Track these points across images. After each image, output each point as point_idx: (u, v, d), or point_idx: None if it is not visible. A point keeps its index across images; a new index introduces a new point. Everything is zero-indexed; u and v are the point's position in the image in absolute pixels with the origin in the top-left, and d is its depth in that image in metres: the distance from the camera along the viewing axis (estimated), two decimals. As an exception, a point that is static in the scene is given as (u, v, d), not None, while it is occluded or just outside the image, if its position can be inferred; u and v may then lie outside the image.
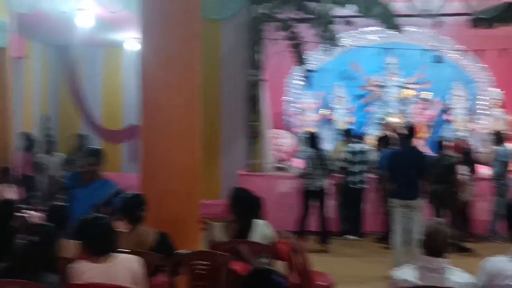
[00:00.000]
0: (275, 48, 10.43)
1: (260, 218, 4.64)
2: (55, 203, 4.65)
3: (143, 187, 5.54)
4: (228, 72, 10.43)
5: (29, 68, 13.51)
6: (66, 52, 14.42)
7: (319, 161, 8.35)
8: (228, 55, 10.45)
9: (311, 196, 8.44)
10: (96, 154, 5.37)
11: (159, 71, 5.64)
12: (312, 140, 8.59)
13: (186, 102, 5.68)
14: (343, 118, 13.23)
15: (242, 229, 4.46)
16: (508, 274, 3.16)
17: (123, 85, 14.34)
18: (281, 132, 12.87)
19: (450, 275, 3.27)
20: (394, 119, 12.53)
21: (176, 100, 5.60)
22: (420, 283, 3.24)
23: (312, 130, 10.24)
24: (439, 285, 3.19)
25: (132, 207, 4.34)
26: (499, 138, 9.26)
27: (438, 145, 8.87)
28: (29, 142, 10.97)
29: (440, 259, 3.30)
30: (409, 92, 13.21)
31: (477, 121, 12.91)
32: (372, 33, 12.57)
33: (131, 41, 12.24)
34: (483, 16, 9.02)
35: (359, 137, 10.12)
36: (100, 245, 3.58)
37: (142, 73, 5.81)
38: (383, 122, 12.57)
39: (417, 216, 6.73)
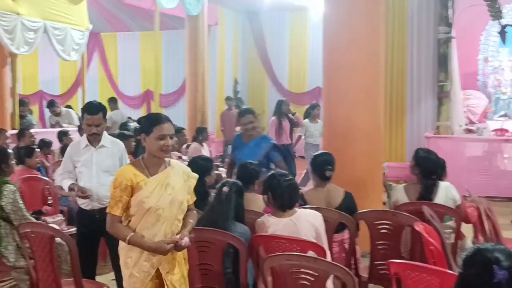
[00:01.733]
0: (467, 2, 9.74)
1: (444, 180, 4.47)
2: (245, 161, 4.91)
3: (325, 147, 5.65)
4: (416, 29, 10.02)
5: (222, 34, 14.31)
6: (255, 17, 14.99)
7: None
8: (416, 11, 10.02)
9: None
10: (252, 112, 5.53)
11: (342, 31, 5.63)
12: None
13: (369, 61, 5.62)
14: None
15: (425, 191, 4.34)
16: None
17: (309, 48, 14.56)
18: (474, 92, 12.10)
19: None
20: None
21: (359, 60, 5.57)
22: None
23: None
24: None
25: (321, 165, 4.45)
26: None
27: None
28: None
29: None
30: None
31: None
32: None
33: (317, 3, 12.30)
34: None
35: None
36: (286, 200, 3.73)
37: (325, 34, 5.85)
38: None
39: None
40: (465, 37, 11.08)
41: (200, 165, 4.59)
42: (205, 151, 8.45)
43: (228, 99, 12.75)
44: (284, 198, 3.73)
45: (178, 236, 3.10)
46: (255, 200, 4.30)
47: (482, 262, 1.70)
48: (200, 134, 8.68)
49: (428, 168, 4.38)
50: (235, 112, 12.41)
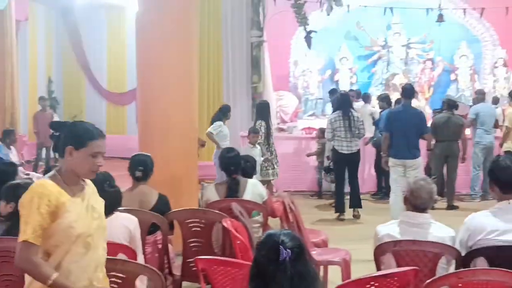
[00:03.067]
0: (277, 8, 10.34)
1: (252, 177, 4.72)
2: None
3: (141, 148, 5.63)
4: (230, 32, 10.39)
5: (33, 31, 13.52)
6: (69, 14, 14.39)
7: (347, 123, 7.55)
8: (230, 14, 10.39)
9: (341, 159, 7.74)
10: None
11: (154, 31, 5.66)
12: (343, 100, 7.83)
13: (182, 61, 5.70)
14: (347, 79, 13.20)
15: (232, 188, 4.55)
16: (489, 230, 3.21)
17: (128, 47, 14.33)
18: (285, 93, 12.86)
19: (432, 229, 3.33)
20: (398, 79, 12.54)
21: (172, 60, 5.62)
22: (401, 237, 3.31)
23: (344, 90, 9.85)
24: (421, 240, 3.25)
25: (134, 166, 4.43)
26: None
27: (446, 104, 8.72)
28: None
29: (424, 215, 3.36)
30: (413, 52, 13.19)
31: (483, 80, 12.92)
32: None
33: (133, 2, 12.17)
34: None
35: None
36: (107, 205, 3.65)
37: (138, 34, 5.84)
38: (387, 82, 12.54)
39: (416, 175, 6.69)
40: (277, 41, 11.73)
41: (1, 171, 4.32)
42: (13, 155, 7.93)
43: (41, 99, 12.07)
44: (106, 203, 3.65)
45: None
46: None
47: (270, 245, 1.94)
48: (7, 136, 8.13)
49: (231, 167, 4.62)
50: (50, 113, 11.82)
